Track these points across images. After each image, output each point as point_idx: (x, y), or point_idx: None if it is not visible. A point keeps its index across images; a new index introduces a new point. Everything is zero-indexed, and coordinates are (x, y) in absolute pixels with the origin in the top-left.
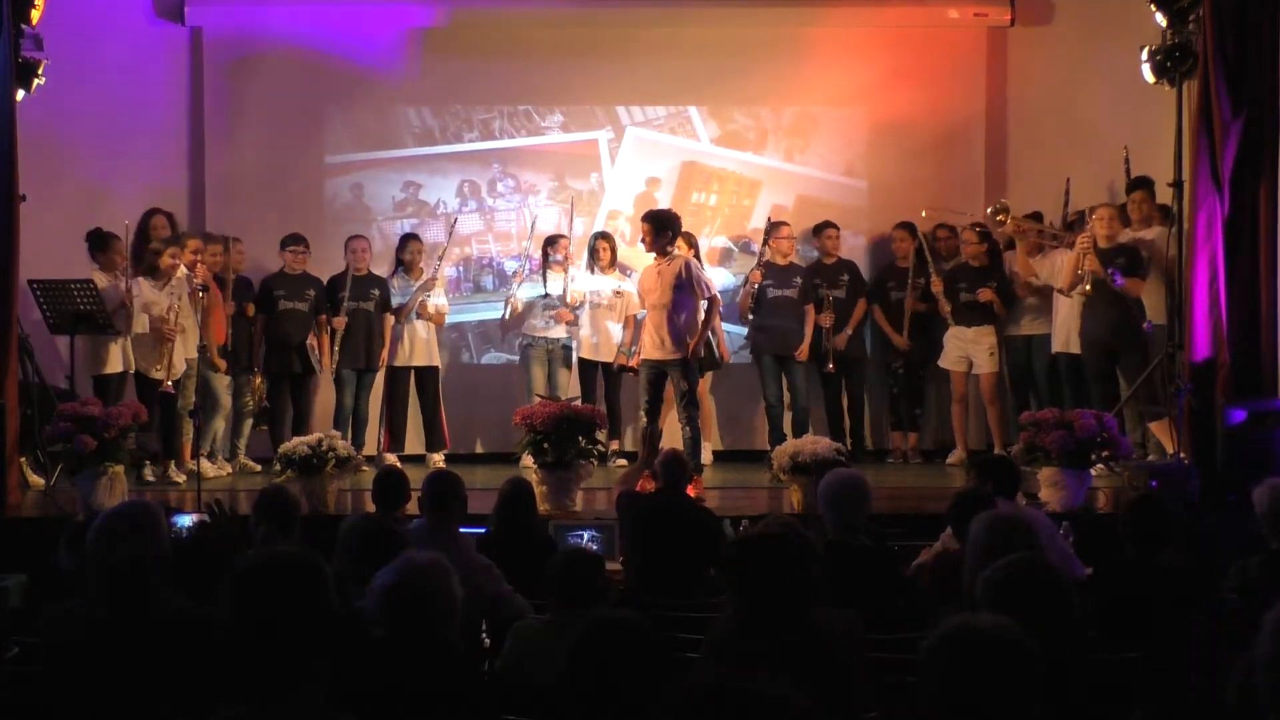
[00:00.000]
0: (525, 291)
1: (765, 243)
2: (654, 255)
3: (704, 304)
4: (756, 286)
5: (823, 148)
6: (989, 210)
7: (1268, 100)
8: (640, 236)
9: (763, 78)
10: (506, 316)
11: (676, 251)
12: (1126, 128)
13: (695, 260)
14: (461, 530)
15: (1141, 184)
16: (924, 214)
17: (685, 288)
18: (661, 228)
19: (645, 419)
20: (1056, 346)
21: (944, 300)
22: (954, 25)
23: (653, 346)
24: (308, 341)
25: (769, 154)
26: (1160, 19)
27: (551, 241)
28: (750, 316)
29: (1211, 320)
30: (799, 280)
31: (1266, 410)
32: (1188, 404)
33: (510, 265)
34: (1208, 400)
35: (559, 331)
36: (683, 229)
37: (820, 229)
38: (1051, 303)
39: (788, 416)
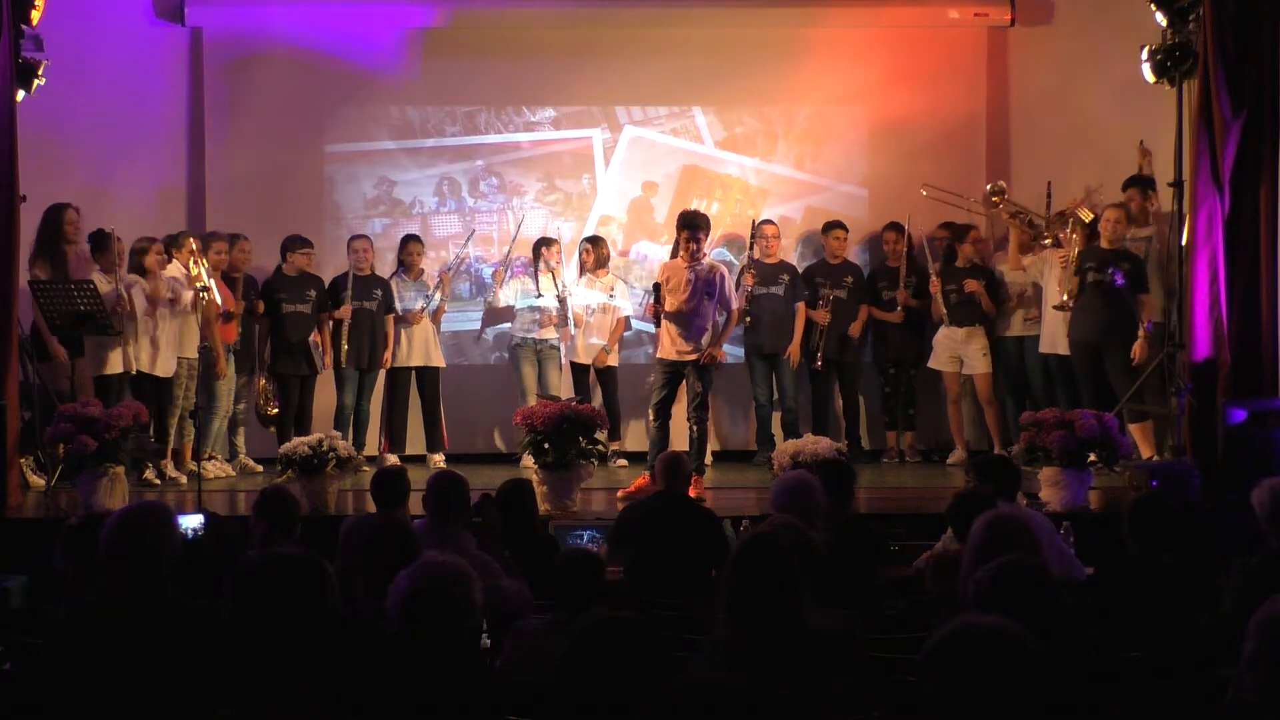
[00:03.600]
0: (510, 293)
1: (752, 243)
2: (681, 255)
3: (722, 314)
4: (750, 289)
5: (822, 148)
6: (987, 188)
7: (1268, 100)
8: (685, 241)
9: (763, 78)
10: (486, 306)
11: (710, 257)
12: (1126, 128)
13: (724, 269)
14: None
15: (1135, 182)
16: (923, 191)
17: (715, 295)
18: (707, 230)
19: (654, 417)
20: (1044, 347)
21: (939, 300)
22: (954, 25)
23: (672, 347)
24: (310, 338)
25: (770, 157)
26: (1160, 19)
27: (543, 244)
28: (748, 318)
29: (1211, 320)
30: (785, 278)
31: (1267, 410)
32: (1188, 404)
33: (488, 271)
34: (1208, 400)
35: (548, 332)
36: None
37: (828, 229)
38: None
39: (777, 417)
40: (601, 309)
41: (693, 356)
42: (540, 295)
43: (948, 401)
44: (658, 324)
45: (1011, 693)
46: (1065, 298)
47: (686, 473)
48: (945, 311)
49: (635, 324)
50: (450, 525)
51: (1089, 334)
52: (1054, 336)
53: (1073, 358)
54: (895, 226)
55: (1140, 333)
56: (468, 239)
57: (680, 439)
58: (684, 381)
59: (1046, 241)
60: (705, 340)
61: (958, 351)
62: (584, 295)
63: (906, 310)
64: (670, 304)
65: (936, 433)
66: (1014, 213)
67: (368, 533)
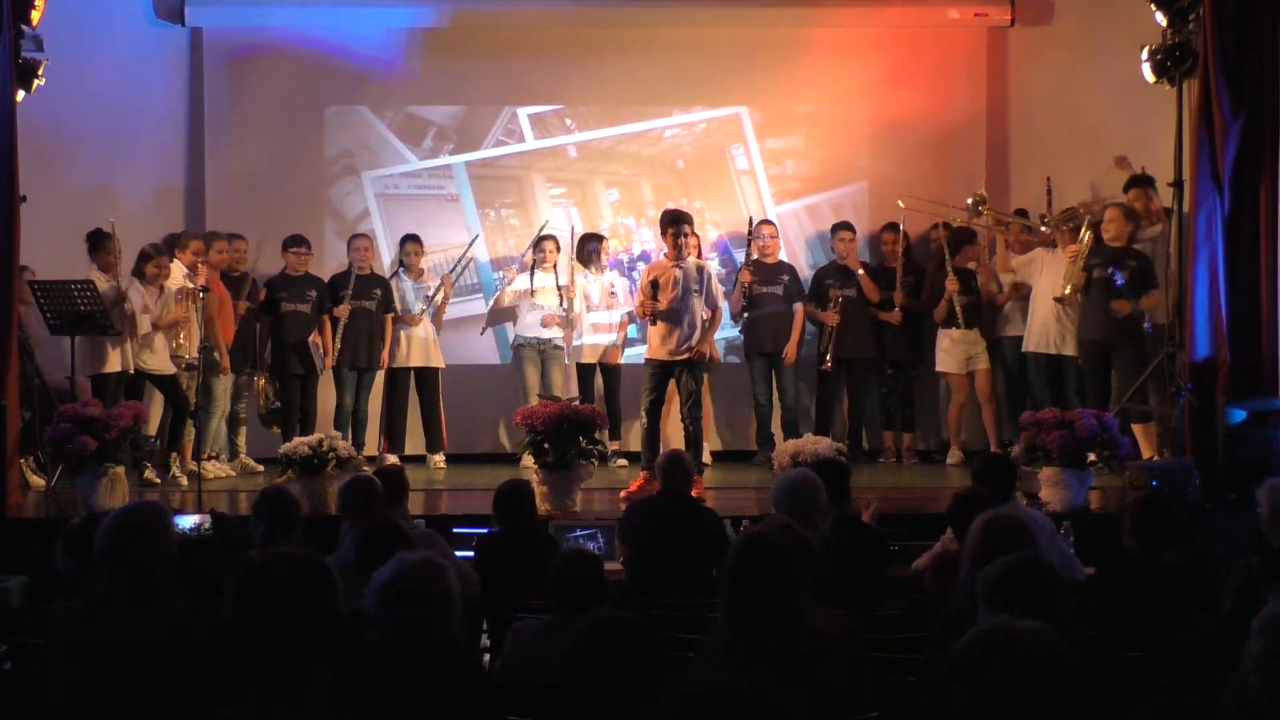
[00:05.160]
0: (514, 291)
1: (749, 242)
2: (666, 253)
3: (707, 311)
4: (748, 286)
5: (822, 148)
6: (969, 201)
7: (1268, 100)
8: (670, 238)
9: (763, 78)
10: (490, 306)
11: (693, 255)
12: (1126, 128)
13: (710, 267)
14: (460, 530)
15: (1138, 182)
16: (901, 204)
17: (701, 292)
18: (691, 225)
19: (646, 418)
20: (1032, 346)
21: (958, 300)
22: (954, 25)
23: (662, 347)
24: (310, 339)
25: (770, 157)
26: (1160, 19)
27: (539, 243)
28: (745, 315)
29: (1211, 320)
30: (785, 277)
31: (1267, 410)
32: (1188, 404)
33: (489, 271)
34: (1208, 400)
35: (551, 332)
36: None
37: (835, 230)
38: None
39: (776, 416)
40: (606, 306)
41: (683, 356)
42: (534, 292)
43: (952, 403)
44: (654, 322)
45: (1046, 696)
46: (1068, 290)
47: (687, 472)
48: (961, 312)
49: (637, 321)
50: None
51: (1097, 334)
52: (1047, 336)
53: (1081, 357)
54: (893, 227)
55: (1125, 302)
56: (471, 243)
57: (673, 439)
58: (673, 381)
59: (1044, 229)
60: (695, 339)
61: (971, 352)
62: (589, 290)
63: (905, 310)
64: (660, 302)
65: (935, 433)
66: (999, 220)
67: (363, 533)
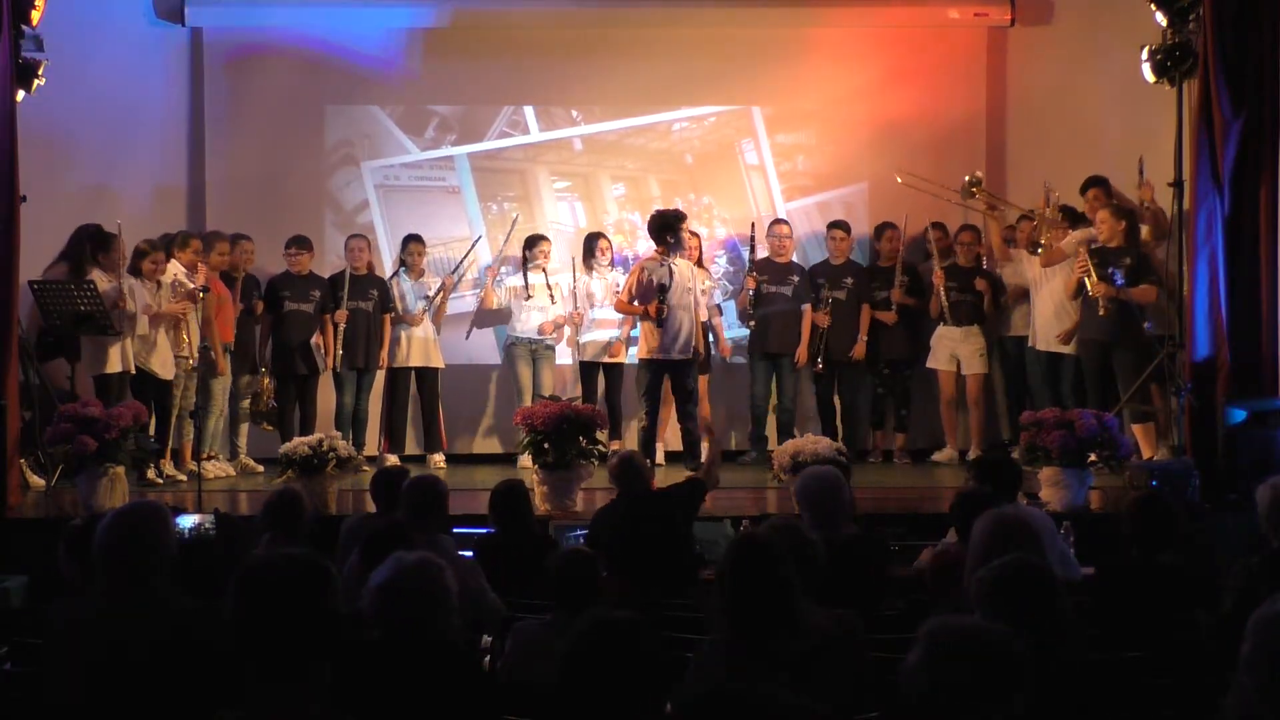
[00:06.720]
0: (503, 294)
1: (752, 244)
2: (655, 252)
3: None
4: (753, 290)
5: (822, 148)
6: (965, 179)
7: (1268, 100)
8: (667, 240)
9: (763, 78)
10: (476, 308)
11: (681, 255)
12: (1126, 128)
13: (701, 267)
14: (460, 530)
15: (1097, 182)
16: (899, 179)
17: (692, 291)
18: (666, 228)
19: (646, 418)
20: (1038, 344)
21: (943, 294)
22: (954, 25)
23: (656, 345)
24: (313, 340)
25: (770, 157)
26: (1160, 19)
27: (532, 242)
28: (753, 317)
29: (1211, 320)
30: (795, 278)
31: (1267, 410)
32: (1188, 404)
33: (482, 268)
34: (1208, 400)
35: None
36: (686, 230)
37: (829, 228)
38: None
39: (773, 417)
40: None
41: (678, 357)
42: (530, 296)
43: (941, 401)
44: (659, 323)
45: (992, 691)
46: (1070, 298)
47: (640, 471)
48: (946, 306)
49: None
50: (430, 529)
51: (1097, 333)
52: (1048, 335)
53: (1081, 357)
54: (889, 226)
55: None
56: (473, 244)
57: (674, 440)
58: (666, 381)
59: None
60: (691, 339)
61: (955, 350)
62: (593, 288)
63: (901, 310)
64: (653, 305)
65: (928, 434)
66: (991, 204)
67: (366, 533)
